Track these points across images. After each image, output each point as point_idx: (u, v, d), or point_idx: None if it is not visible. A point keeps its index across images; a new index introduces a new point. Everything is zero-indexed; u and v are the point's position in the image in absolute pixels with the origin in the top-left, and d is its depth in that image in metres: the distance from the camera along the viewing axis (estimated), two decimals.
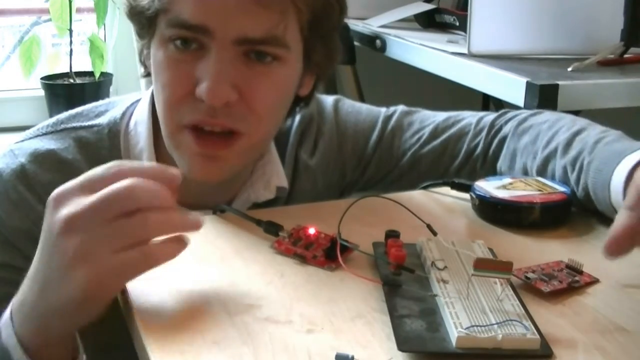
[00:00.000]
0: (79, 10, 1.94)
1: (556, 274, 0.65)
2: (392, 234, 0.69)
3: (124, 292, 0.62)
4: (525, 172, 0.87)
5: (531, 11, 1.33)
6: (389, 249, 0.66)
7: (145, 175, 0.59)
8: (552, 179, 0.83)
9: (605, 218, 0.77)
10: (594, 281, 0.66)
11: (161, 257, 0.59)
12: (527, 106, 1.11)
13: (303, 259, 0.68)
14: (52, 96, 1.90)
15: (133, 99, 0.90)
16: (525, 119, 0.92)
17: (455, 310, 0.57)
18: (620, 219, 0.61)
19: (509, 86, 1.16)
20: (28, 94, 1.99)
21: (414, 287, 0.62)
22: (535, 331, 0.55)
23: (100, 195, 0.57)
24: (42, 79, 1.90)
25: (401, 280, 0.63)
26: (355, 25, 1.66)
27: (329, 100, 0.99)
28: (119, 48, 1.98)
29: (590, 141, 0.80)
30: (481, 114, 0.98)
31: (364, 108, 1.00)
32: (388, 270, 0.64)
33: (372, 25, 1.64)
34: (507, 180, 0.83)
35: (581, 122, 0.86)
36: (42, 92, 1.91)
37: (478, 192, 0.80)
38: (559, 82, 1.11)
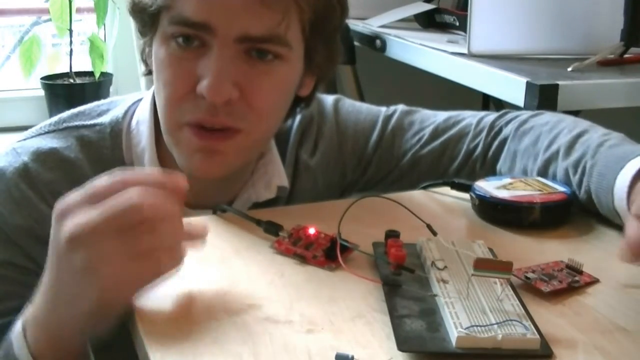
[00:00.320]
0: (79, 10, 1.94)
1: (556, 274, 0.65)
2: (392, 234, 0.69)
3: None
4: (526, 174, 0.87)
5: (531, 11, 1.33)
6: (389, 249, 0.66)
7: (151, 184, 0.59)
8: (554, 181, 0.83)
9: (605, 218, 0.77)
10: (594, 281, 0.66)
11: (169, 265, 0.59)
12: (527, 106, 1.11)
13: (303, 259, 0.68)
14: (52, 96, 1.90)
15: (135, 98, 0.90)
16: (525, 121, 0.92)
17: (455, 310, 0.57)
18: (632, 229, 0.62)
19: (509, 86, 1.16)
20: (28, 94, 2.00)
21: (414, 287, 0.62)
22: (535, 331, 0.55)
23: (106, 207, 0.56)
24: (42, 79, 1.90)
25: (401, 280, 0.63)
26: (355, 25, 1.66)
27: (329, 99, 0.99)
28: (119, 48, 1.98)
29: (592, 144, 0.80)
30: (482, 114, 0.98)
31: (364, 107, 1.00)
32: (388, 270, 0.64)
33: (372, 25, 1.64)
34: (507, 180, 0.83)
35: (582, 124, 0.86)
36: (42, 92, 1.92)
37: (478, 192, 0.80)
38: (559, 82, 1.11)
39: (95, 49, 1.88)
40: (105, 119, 0.87)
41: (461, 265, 0.65)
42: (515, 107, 1.09)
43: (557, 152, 0.83)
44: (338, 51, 0.86)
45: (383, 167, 0.97)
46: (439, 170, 0.94)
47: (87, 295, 0.57)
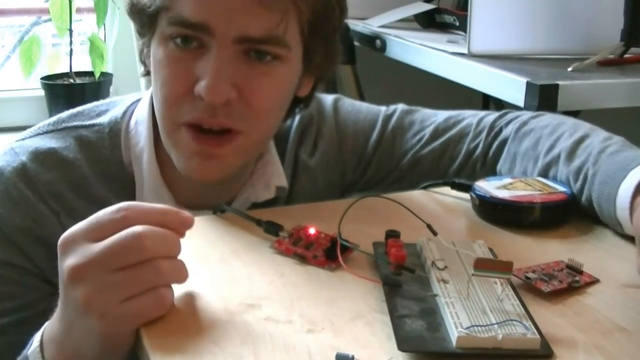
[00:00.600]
0: (79, 10, 1.94)
1: (556, 274, 0.65)
2: (392, 234, 0.69)
3: None
4: (526, 177, 0.87)
5: (531, 11, 1.33)
6: (389, 249, 0.66)
7: (155, 221, 0.58)
8: (554, 181, 0.83)
9: None
10: (594, 281, 0.66)
11: (170, 301, 0.59)
12: (527, 106, 1.10)
13: (303, 259, 0.68)
14: (52, 96, 1.90)
15: (134, 98, 0.90)
16: (526, 122, 0.91)
17: (455, 310, 0.57)
18: None
19: (509, 86, 1.16)
20: (28, 94, 1.99)
21: (414, 287, 0.62)
22: (535, 331, 0.55)
23: (108, 245, 0.56)
24: (42, 79, 1.90)
25: (401, 280, 0.63)
26: (355, 25, 1.66)
27: (328, 99, 0.99)
28: (119, 48, 1.98)
29: (593, 151, 0.79)
30: (482, 113, 0.98)
31: (364, 107, 1.00)
32: (388, 270, 0.64)
33: (372, 25, 1.64)
34: (507, 180, 0.83)
35: (583, 127, 0.86)
36: (42, 92, 1.91)
37: (478, 192, 0.80)
38: (559, 82, 1.11)
39: (95, 49, 1.88)
40: (104, 119, 0.86)
41: (461, 265, 0.65)
42: (516, 107, 1.09)
43: (557, 156, 0.83)
44: (337, 51, 0.86)
45: (383, 167, 0.97)
46: (439, 171, 0.94)
47: (89, 329, 0.57)
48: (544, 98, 1.09)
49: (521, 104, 1.12)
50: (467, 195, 0.84)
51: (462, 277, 0.62)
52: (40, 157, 0.82)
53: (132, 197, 0.84)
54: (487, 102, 1.78)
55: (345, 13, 0.84)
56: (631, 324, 0.59)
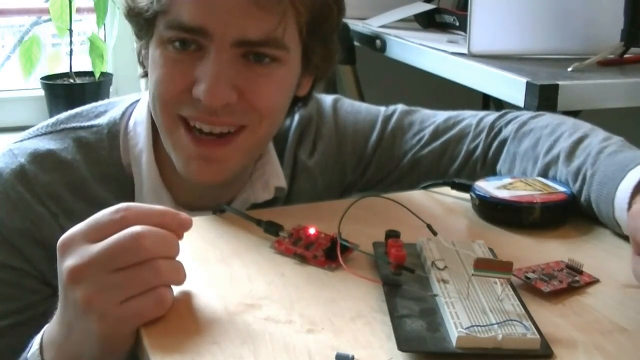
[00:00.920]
0: (79, 10, 1.94)
1: (556, 274, 0.65)
2: (392, 234, 0.69)
3: None
4: (525, 177, 0.87)
5: (531, 11, 1.33)
6: (389, 249, 0.66)
7: (153, 222, 0.58)
8: (554, 181, 0.83)
9: None
10: (594, 281, 0.66)
11: (170, 301, 0.58)
12: (527, 106, 1.10)
13: (303, 259, 0.68)
14: (52, 96, 1.90)
15: (132, 99, 0.90)
16: (525, 122, 0.91)
17: (455, 310, 0.57)
18: (637, 265, 0.63)
19: (509, 86, 1.16)
20: (28, 94, 1.99)
21: (414, 287, 0.62)
22: (535, 331, 0.55)
23: (107, 245, 0.56)
24: (42, 79, 1.90)
25: (401, 280, 0.63)
26: (355, 25, 1.66)
27: (327, 100, 0.99)
28: (119, 48, 1.98)
29: (592, 151, 0.79)
30: (482, 114, 0.98)
31: (363, 107, 1.00)
32: (388, 270, 0.64)
33: (372, 25, 1.64)
34: (507, 180, 0.83)
35: (583, 127, 0.86)
36: (42, 92, 1.91)
37: (478, 192, 0.80)
38: (559, 82, 1.11)
39: (95, 49, 1.87)
40: (102, 120, 0.86)
41: (461, 265, 0.65)
42: (515, 107, 1.09)
43: (557, 157, 0.83)
44: (336, 51, 0.86)
45: (383, 167, 0.97)
46: (439, 171, 0.94)
47: (89, 330, 0.57)
48: (544, 98, 1.09)
49: (521, 104, 1.12)
50: (467, 195, 0.84)
51: (462, 277, 0.62)
52: (39, 158, 0.82)
53: (131, 198, 0.84)
54: (487, 102, 1.78)
55: (343, 12, 0.84)
56: (631, 324, 0.59)
